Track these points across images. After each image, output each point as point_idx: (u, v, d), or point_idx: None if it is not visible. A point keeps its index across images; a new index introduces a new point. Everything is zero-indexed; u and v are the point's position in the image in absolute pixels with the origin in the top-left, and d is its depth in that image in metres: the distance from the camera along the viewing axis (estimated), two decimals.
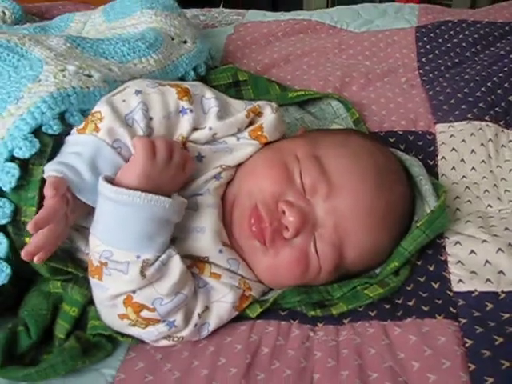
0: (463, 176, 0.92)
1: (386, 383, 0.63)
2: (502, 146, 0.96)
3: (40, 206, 0.68)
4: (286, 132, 0.88)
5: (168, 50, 0.98)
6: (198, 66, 1.03)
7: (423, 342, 0.67)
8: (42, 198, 0.68)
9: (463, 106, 1.02)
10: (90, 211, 0.72)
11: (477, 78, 1.08)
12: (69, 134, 0.75)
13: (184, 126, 0.78)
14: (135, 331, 0.71)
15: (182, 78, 0.99)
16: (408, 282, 0.77)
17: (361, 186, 0.77)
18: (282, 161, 0.79)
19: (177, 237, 0.74)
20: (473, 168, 0.93)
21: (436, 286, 0.75)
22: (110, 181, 0.69)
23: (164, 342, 0.72)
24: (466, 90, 1.05)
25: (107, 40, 0.94)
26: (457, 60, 1.18)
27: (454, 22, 1.30)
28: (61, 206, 0.67)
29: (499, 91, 1.05)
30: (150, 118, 0.75)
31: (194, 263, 0.76)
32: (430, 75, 1.15)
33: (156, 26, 1.01)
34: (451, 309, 0.71)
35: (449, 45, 1.23)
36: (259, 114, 0.83)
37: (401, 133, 1.02)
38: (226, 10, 1.51)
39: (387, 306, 0.74)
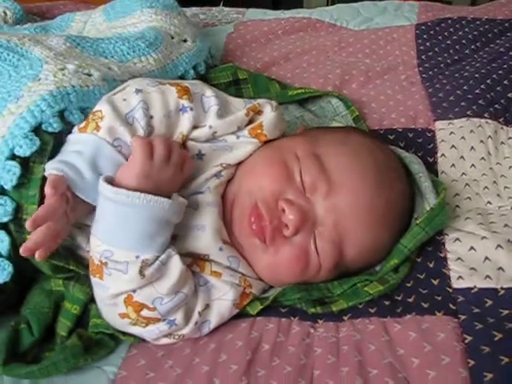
0: (463, 173, 0.92)
1: (385, 379, 0.64)
2: (502, 143, 0.96)
3: (41, 203, 0.68)
4: (286, 130, 0.88)
5: (168, 49, 0.98)
6: (197, 64, 1.03)
7: (423, 339, 0.67)
8: (43, 195, 0.69)
9: (463, 103, 1.02)
10: (91, 209, 0.72)
11: (476, 75, 1.08)
12: (70, 132, 0.75)
13: (184, 124, 0.78)
14: (136, 330, 0.72)
15: (182, 77, 0.99)
16: (408, 279, 0.78)
17: (360, 184, 0.77)
18: (281, 159, 0.79)
19: (177, 235, 0.75)
20: (472, 165, 0.93)
21: (436, 282, 0.76)
22: (111, 181, 0.69)
23: (165, 341, 0.73)
24: (465, 87, 1.06)
25: (107, 39, 0.94)
26: (456, 57, 1.19)
27: (454, 19, 1.30)
28: (60, 204, 0.68)
29: (499, 88, 1.05)
30: (151, 117, 0.75)
31: (195, 261, 0.76)
32: (430, 72, 1.15)
33: (156, 24, 1.01)
34: (451, 305, 0.72)
35: (448, 42, 1.23)
36: (259, 112, 0.83)
37: (400, 130, 1.02)
38: (226, 9, 1.51)
39: (387, 303, 0.75)
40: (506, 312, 0.69)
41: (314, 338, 0.71)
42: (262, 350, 0.70)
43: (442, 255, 0.79)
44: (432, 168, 0.93)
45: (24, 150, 0.71)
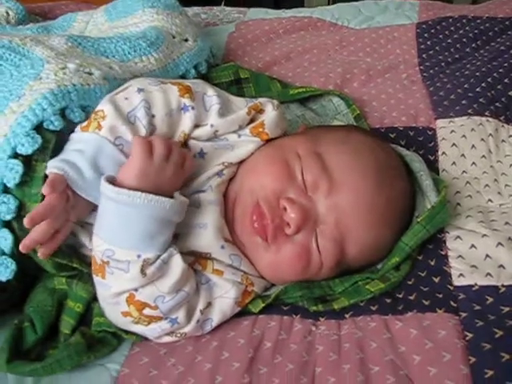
0: (464, 171, 0.92)
1: (387, 376, 0.64)
2: (503, 140, 0.96)
3: None
4: (288, 129, 0.89)
5: (169, 49, 0.99)
6: (199, 64, 1.04)
7: (424, 336, 0.67)
8: None
9: (463, 102, 1.02)
10: (93, 208, 0.73)
11: (477, 73, 1.08)
12: (72, 131, 0.76)
13: (186, 123, 0.78)
14: (138, 328, 0.72)
15: (183, 76, 0.99)
16: (409, 277, 0.78)
17: (362, 183, 0.77)
18: (283, 158, 0.79)
19: (179, 233, 0.75)
20: (473, 163, 0.93)
21: (437, 280, 0.76)
22: (112, 181, 0.69)
23: (167, 339, 0.73)
24: (466, 86, 1.06)
25: (108, 39, 0.94)
26: (457, 56, 1.19)
27: (455, 17, 1.30)
28: (59, 202, 0.68)
29: (499, 86, 1.05)
30: (152, 116, 0.76)
31: (197, 260, 0.76)
32: (431, 71, 1.15)
33: (157, 24, 1.02)
34: (452, 303, 0.72)
35: (449, 41, 1.23)
36: (260, 111, 0.83)
37: (401, 128, 1.02)
38: (228, 8, 1.51)
39: (388, 301, 0.75)
40: (507, 309, 0.69)
41: (316, 336, 0.71)
42: (264, 347, 0.70)
43: (442, 253, 0.79)
44: (433, 166, 0.93)
45: (26, 148, 0.71)
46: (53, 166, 0.70)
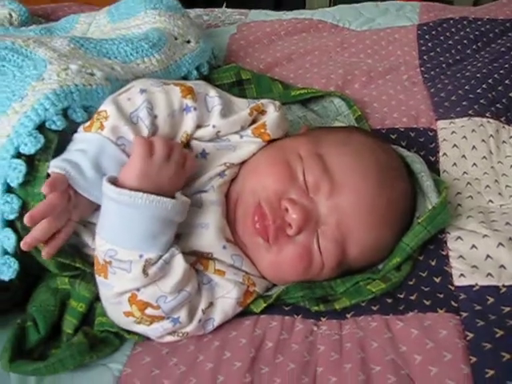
0: (464, 172, 0.93)
1: (388, 376, 0.64)
2: (503, 141, 0.96)
3: None
4: (289, 130, 0.89)
5: (171, 50, 0.99)
6: (200, 65, 1.04)
7: (425, 336, 0.68)
8: None
9: (464, 103, 1.02)
10: (96, 207, 0.73)
11: (478, 74, 1.09)
12: (74, 131, 0.76)
13: (188, 123, 0.78)
14: (140, 328, 0.72)
15: (185, 78, 1.00)
16: (410, 277, 0.78)
17: (362, 184, 0.77)
18: (284, 159, 0.79)
19: (181, 233, 0.75)
20: (474, 164, 0.93)
21: (437, 280, 0.76)
22: (114, 181, 0.70)
23: (169, 338, 0.73)
24: (467, 87, 1.06)
25: (110, 40, 0.95)
26: (458, 57, 1.19)
27: (456, 19, 1.30)
28: (60, 201, 0.69)
29: (500, 88, 1.05)
30: (155, 116, 0.76)
31: (198, 260, 0.76)
32: (432, 72, 1.15)
33: (160, 26, 1.02)
34: (452, 303, 0.72)
35: (450, 42, 1.23)
36: (262, 112, 0.83)
37: (402, 130, 1.02)
38: (229, 10, 1.51)
39: (389, 301, 0.75)
40: (508, 309, 0.69)
41: (317, 336, 0.72)
42: (266, 347, 0.70)
43: (443, 253, 0.79)
44: (434, 167, 0.93)
45: (29, 148, 0.72)
46: (55, 166, 0.71)
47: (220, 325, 0.74)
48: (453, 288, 0.74)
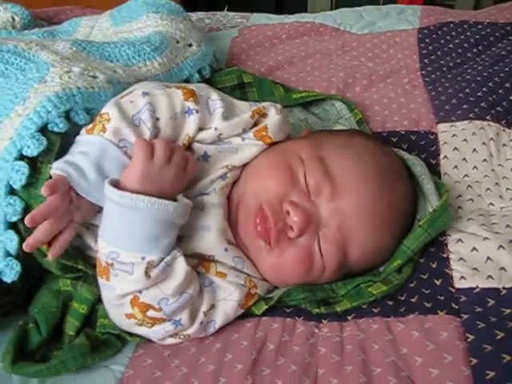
0: (465, 175, 0.93)
1: (389, 378, 0.64)
2: (504, 144, 0.96)
3: None
4: (291, 133, 0.89)
5: (173, 53, 0.99)
6: (202, 68, 1.04)
7: (426, 338, 0.68)
8: None
9: (465, 106, 1.03)
10: (98, 209, 0.73)
11: (478, 78, 1.09)
12: (77, 134, 0.76)
13: (190, 126, 0.79)
14: (142, 330, 0.73)
15: (187, 81, 1.00)
16: (411, 279, 0.78)
17: (363, 187, 0.78)
18: (286, 162, 0.80)
19: (183, 236, 0.75)
20: (474, 167, 0.93)
21: (438, 282, 0.76)
22: (116, 184, 0.70)
23: (170, 340, 0.73)
24: (467, 90, 1.06)
25: (113, 43, 0.95)
26: (458, 60, 1.19)
27: (456, 23, 1.30)
28: (61, 202, 0.69)
29: (500, 91, 1.05)
30: (157, 119, 0.76)
31: (200, 262, 0.77)
32: (432, 76, 1.16)
33: (162, 29, 1.02)
34: (453, 305, 0.72)
35: (451, 46, 1.24)
36: (264, 114, 0.84)
37: (403, 133, 1.02)
38: (231, 14, 1.51)
39: (390, 303, 0.75)
40: (508, 311, 0.69)
41: (319, 338, 0.72)
42: (267, 349, 0.70)
43: (444, 256, 0.79)
44: (435, 170, 0.94)
45: (32, 150, 0.72)
46: (56, 168, 0.71)
47: (221, 327, 0.75)
48: (453, 290, 0.74)
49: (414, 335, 0.69)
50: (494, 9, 1.39)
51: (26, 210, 0.71)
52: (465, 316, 0.70)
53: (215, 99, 0.81)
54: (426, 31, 1.30)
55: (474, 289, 0.74)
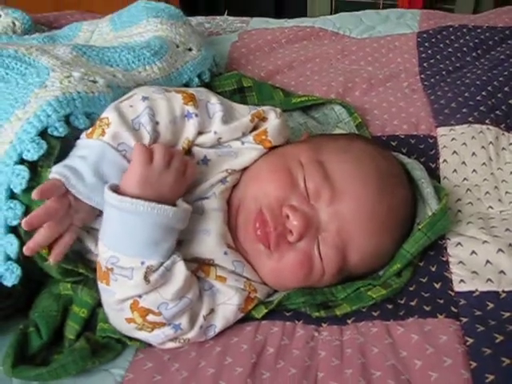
0: (464, 178, 0.93)
1: (388, 381, 0.64)
2: (503, 148, 0.96)
3: None
4: (290, 137, 0.89)
5: (173, 58, 1.00)
6: (202, 72, 1.04)
7: (425, 341, 0.68)
8: None
9: (464, 110, 1.03)
10: (99, 212, 0.73)
11: (477, 82, 1.09)
12: (77, 138, 0.76)
13: (189, 130, 0.79)
14: (142, 335, 0.73)
15: (187, 85, 1.00)
16: (410, 283, 0.78)
17: (363, 191, 0.78)
18: (286, 166, 0.80)
19: (183, 240, 0.75)
20: (474, 170, 0.94)
21: (438, 286, 0.76)
22: (116, 189, 0.70)
23: (170, 345, 0.73)
24: (466, 94, 1.06)
25: (113, 48, 0.95)
26: (458, 64, 1.19)
27: (455, 27, 1.31)
28: (58, 205, 0.69)
29: (499, 95, 1.05)
30: (157, 123, 0.76)
31: (200, 267, 0.77)
32: (432, 80, 1.16)
33: (162, 34, 1.03)
34: (452, 308, 0.72)
35: (450, 50, 1.24)
36: (263, 118, 0.84)
37: (403, 136, 1.02)
38: (231, 18, 1.52)
39: (390, 307, 0.75)
40: (508, 314, 0.69)
41: (318, 341, 0.72)
42: (267, 353, 0.70)
43: (444, 259, 0.80)
44: (434, 174, 0.94)
45: (32, 154, 0.72)
46: (55, 172, 0.71)
47: (221, 331, 0.75)
48: (453, 294, 0.75)
49: (413, 338, 0.69)
50: (493, 13, 1.39)
51: (27, 213, 0.71)
52: (464, 319, 0.70)
53: (215, 103, 0.81)
54: (425, 35, 1.31)
55: (473, 292, 0.74)
